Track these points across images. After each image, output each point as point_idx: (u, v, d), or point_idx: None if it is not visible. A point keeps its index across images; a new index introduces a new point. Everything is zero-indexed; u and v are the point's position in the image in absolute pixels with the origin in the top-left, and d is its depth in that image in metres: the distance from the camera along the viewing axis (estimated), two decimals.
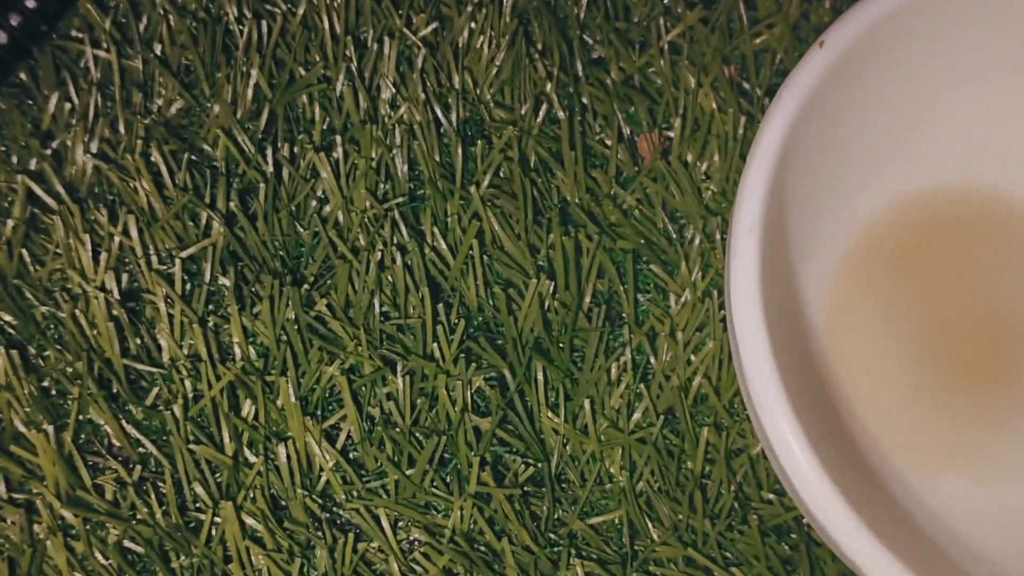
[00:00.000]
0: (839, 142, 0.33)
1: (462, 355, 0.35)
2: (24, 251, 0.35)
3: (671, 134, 0.37)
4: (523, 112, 0.37)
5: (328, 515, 0.34)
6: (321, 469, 0.34)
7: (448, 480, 0.34)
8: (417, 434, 0.34)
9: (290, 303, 0.34)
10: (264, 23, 0.37)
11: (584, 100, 0.37)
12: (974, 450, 0.34)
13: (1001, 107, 0.35)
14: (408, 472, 0.34)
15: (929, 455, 0.35)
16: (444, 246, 0.36)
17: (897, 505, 0.33)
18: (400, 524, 0.34)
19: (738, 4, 0.38)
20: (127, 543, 0.33)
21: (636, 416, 0.35)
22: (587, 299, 0.35)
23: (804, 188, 0.33)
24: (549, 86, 0.37)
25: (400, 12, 0.37)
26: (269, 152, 0.36)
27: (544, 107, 0.37)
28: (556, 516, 0.35)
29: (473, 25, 0.37)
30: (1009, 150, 0.36)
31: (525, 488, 0.34)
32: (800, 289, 0.34)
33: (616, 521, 0.34)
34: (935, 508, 0.34)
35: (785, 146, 0.29)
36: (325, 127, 0.37)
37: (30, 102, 0.37)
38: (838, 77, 0.30)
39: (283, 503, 0.34)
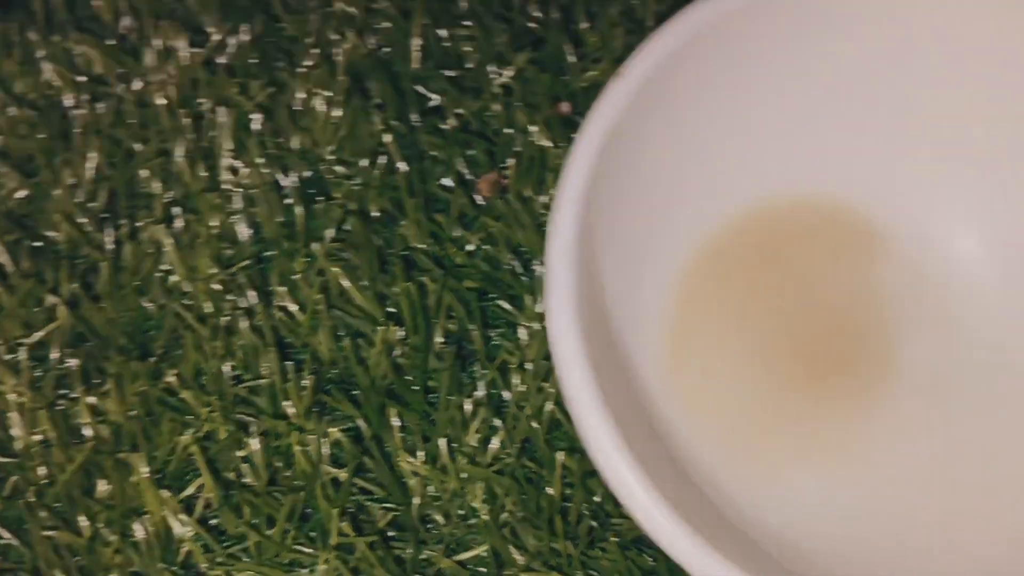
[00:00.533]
0: (659, 164, 0.34)
1: (315, 410, 0.35)
2: None
3: (508, 172, 0.37)
4: (363, 165, 0.37)
5: None
6: (181, 540, 0.34)
7: (313, 535, 0.34)
8: (275, 493, 0.34)
9: (138, 378, 0.34)
10: (101, 104, 0.38)
11: (423, 148, 0.38)
12: (816, 443, 0.35)
13: (830, 118, 0.36)
14: (268, 532, 0.34)
15: (773, 453, 0.35)
16: (292, 304, 0.36)
17: (734, 505, 0.33)
18: None
19: (564, 44, 0.39)
20: None
21: (494, 448, 0.35)
22: (438, 340, 0.36)
23: (628, 211, 0.33)
24: (388, 138, 0.38)
25: (235, 80, 0.38)
26: (111, 230, 0.36)
27: (384, 158, 0.37)
28: (423, 557, 0.35)
29: (307, 86, 0.38)
30: (841, 159, 0.37)
31: (388, 533, 0.34)
32: (635, 305, 0.35)
33: (483, 554, 0.34)
34: (780, 501, 0.34)
35: (594, 176, 0.30)
36: (167, 199, 0.37)
37: None
38: (642, 103, 0.31)
39: None
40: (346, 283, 0.36)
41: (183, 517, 0.34)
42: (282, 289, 0.36)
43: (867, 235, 0.37)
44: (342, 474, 0.34)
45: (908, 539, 0.34)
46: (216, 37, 0.38)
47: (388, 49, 0.38)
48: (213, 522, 0.34)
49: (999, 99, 0.34)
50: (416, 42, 0.38)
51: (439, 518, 0.35)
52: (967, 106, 0.34)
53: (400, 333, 0.36)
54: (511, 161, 0.37)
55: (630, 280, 0.35)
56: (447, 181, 0.37)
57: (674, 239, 0.36)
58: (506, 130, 0.38)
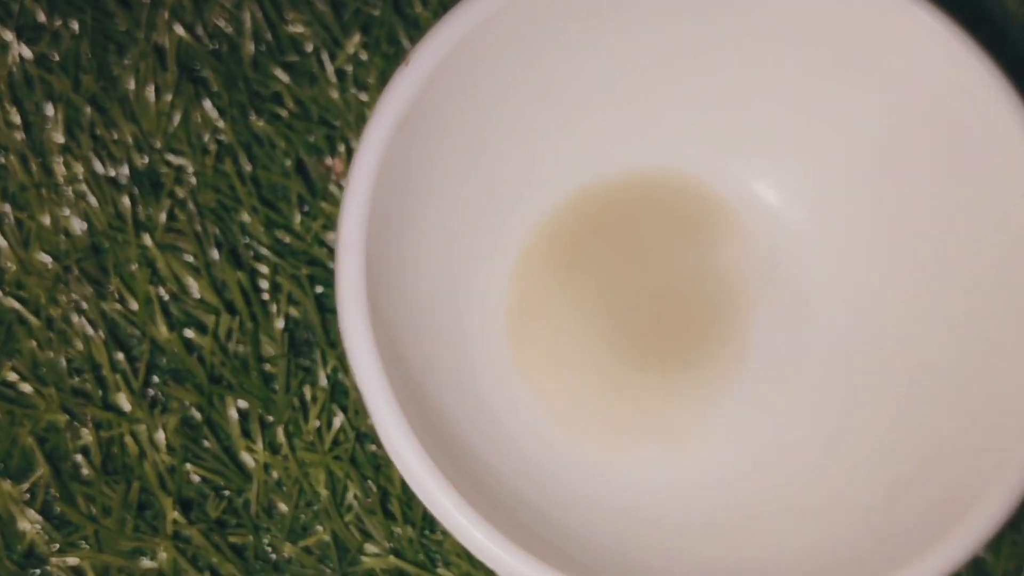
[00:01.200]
0: (467, 150, 0.34)
1: (150, 399, 0.35)
2: None
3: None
4: (197, 155, 0.37)
5: (39, 572, 0.34)
6: (23, 531, 0.34)
7: (155, 524, 0.34)
8: (112, 483, 0.34)
9: None
10: None
11: (259, 135, 0.38)
12: (658, 422, 0.35)
13: (657, 91, 0.36)
14: (106, 522, 0.34)
15: (614, 434, 0.36)
16: (127, 295, 0.36)
17: (564, 487, 0.33)
18: (110, 574, 0.34)
19: (397, 27, 0.39)
20: None
21: (334, 434, 0.35)
22: (276, 327, 0.36)
23: (436, 201, 0.33)
24: (222, 125, 0.38)
25: (66, 75, 0.38)
26: None
27: (218, 147, 0.37)
28: (267, 543, 0.35)
29: (138, 78, 0.38)
30: (672, 133, 0.37)
31: (227, 521, 0.34)
32: (470, 291, 0.35)
33: (325, 538, 0.35)
34: (620, 482, 0.35)
35: (384, 168, 0.30)
36: None
37: None
38: (436, 88, 0.31)
39: None
40: (181, 273, 0.36)
41: (25, 508, 0.33)
42: (116, 280, 0.36)
43: (707, 209, 0.38)
44: (176, 462, 0.34)
45: (738, 517, 0.34)
46: (46, 31, 0.38)
47: (221, 38, 0.38)
48: (55, 512, 0.34)
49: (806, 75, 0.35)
50: (249, 29, 0.38)
51: (281, 504, 0.35)
52: (780, 78, 0.35)
53: (237, 321, 0.36)
54: (342, 147, 0.37)
55: (457, 268, 0.35)
56: (286, 167, 0.37)
57: (507, 223, 0.36)
58: (346, 115, 0.38)
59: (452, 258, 0.35)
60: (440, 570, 0.34)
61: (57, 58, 0.38)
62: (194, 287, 0.36)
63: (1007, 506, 0.28)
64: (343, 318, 0.28)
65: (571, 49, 0.33)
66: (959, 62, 0.31)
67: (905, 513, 0.31)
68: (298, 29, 0.39)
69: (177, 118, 0.38)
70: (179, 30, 0.38)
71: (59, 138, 0.37)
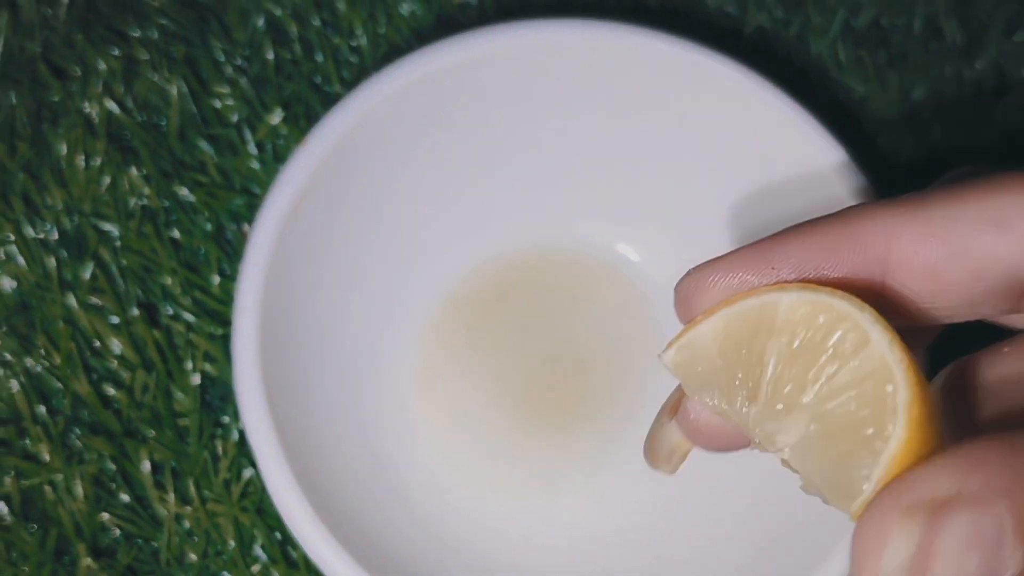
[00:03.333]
0: (366, 227, 0.36)
1: (70, 451, 0.37)
2: None
3: None
4: (122, 219, 0.40)
5: None
6: None
7: (71, 570, 0.36)
8: (31, 530, 0.36)
9: None
10: None
11: (183, 201, 0.40)
12: (549, 479, 0.38)
13: (543, 170, 0.39)
14: (25, 568, 0.36)
15: (509, 490, 0.38)
16: (52, 350, 0.38)
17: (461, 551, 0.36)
18: None
19: (313, 103, 0.41)
20: None
21: (242, 486, 0.37)
22: (192, 383, 0.38)
23: (347, 270, 0.36)
24: (147, 191, 0.40)
25: (4, 142, 0.40)
26: None
27: (142, 211, 0.40)
28: None
29: (69, 145, 0.40)
30: (560, 208, 0.40)
31: (140, 569, 0.36)
32: (378, 357, 0.38)
33: None
34: (509, 536, 0.37)
35: (280, 245, 0.32)
36: None
37: None
38: (327, 171, 0.33)
39: None
40: (102, 330, 0.38)
41: None
42: (42, 337, 0.38)
43: (598, 278, 0.40)
44: (91, 511, 0.36)
45: (619, 569, 0.37)
46: None
47: (149, 109, 0.41)
48: None
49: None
50: (176, 101, 0.41)
51: (191, 553, 0.37)
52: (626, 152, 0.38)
53: (153, 377, 0.38)
54: None
55: (362, 332, 0.38)
56: (207, 231, 0.40)
57: (411, 293, 0.39)
58: (264, 185, 0.41)
59: (357, 323, 0.37)
60: None
61: None
62: (115, 344, 0.38)
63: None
64: (237, 384, 0.30)
65: (461, 132, 0.36)
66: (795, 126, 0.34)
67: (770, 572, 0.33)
68: (222, 103, 0.41)
69: (105, 184, 0.40)
70: (109, 102, 0.40)
71: None
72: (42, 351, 0.38)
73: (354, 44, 0.42)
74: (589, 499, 0.38)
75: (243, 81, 0.42)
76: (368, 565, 0.31)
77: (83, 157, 0.40)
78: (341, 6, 0.42)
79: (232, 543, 0.37)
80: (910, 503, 0.16)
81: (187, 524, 0.37)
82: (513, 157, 0.37)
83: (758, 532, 0.36)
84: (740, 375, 0.19)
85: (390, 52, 0.42)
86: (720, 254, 0.20)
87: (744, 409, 0.20)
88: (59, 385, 0.38)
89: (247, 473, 0.37)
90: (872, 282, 0.19)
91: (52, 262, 0.39)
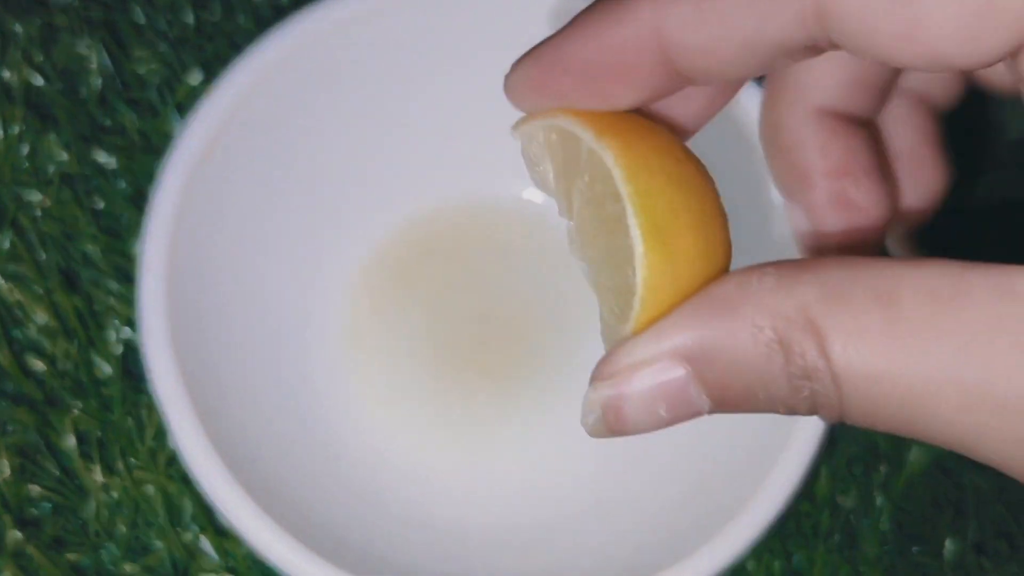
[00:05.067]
0: (285, 177, 0.36)
1: None
2: None
3: None
4: (42, 186, 0.39)
5: None
6: None
7: None
8: None
9: None
10: None
11: (102, 165, 0.39)
12: (480, 434, 0.38)
13: (470, 122, 0.38)
14: None
15: (437, 445, 0.38)
16: None
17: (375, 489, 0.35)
18: None
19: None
20: None
21: (168, 454, 0.37)
22: (114, 351, 0.37)
23: (266, 224, 0.35)
24: (64, 157, 0.39)
25: None
26: None
27: (62, 177, 0.39)
28: (105, 561, 0.36)
29: None
30: (489, 162, 0.39)
31: (67, 540, 0.36)
32: (306, 307, 0.37)
33: (163, 556, 0.36)
34: (448, 496, 0.37)
35: (190, 200, 0.32)
36: None
37: None
38: (236, 121, 0.33)
39: None
40: (24, 299, 0.38)
41: None
42: None
43: (522, 232, 0.40)
44: (16, 482, 0.36)
45: (547, 518, 0.36)
46: None
47: (68, 75, 0.40)
48: None
49: None
50: (94, 66, 0.40)
51: (120, 524, 0.36)
52: None
53: (75, 345, 0.37)
54: None
55: (288, 288, 0.37)
56: (127, 196, 0.39)
57: (337, 252, 0.38)
58: None
59: (278, 282, 0.37)
60: None
61: None
62: (36, 313, 0.38)
63: (764, 519, 0.30)
64: (145, 347, 0.30)
65: (373, 84, 0.36)
66: None
67: (686, 517, 0.33)
68: (145, 68, 0.40)
69: (24, 151, 0.39)
70: (27, 68, 0.40)
71: None
72: None
73: (276, 2, 0.41)
74: (525, 452, 0.38)
75: (163, 44, 0.41)
76: (293, 528, 0.30)
77: (1, 124, 0.39)
78: None
79: (161, 512, 0.36)
80: (610, 371, 0.20)
81: (115, 494, 0.36)
82: (428, 110, 0.37)
83: (691, 473, 0.36)
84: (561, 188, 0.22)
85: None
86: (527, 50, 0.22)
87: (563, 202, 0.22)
88: None
89: (173, 441, 0.37)
90: (659, 64, 0.20)
91: None
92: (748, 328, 0.19)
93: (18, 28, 0.41)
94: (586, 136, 0.20)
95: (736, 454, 0.34)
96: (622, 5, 0.20)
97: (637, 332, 0.20)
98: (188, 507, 0.37)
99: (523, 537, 0.37)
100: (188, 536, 0.37)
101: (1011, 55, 0.18)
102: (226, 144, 0.32)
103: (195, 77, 0.40)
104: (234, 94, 0.32)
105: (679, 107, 0.23)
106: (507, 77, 0.22)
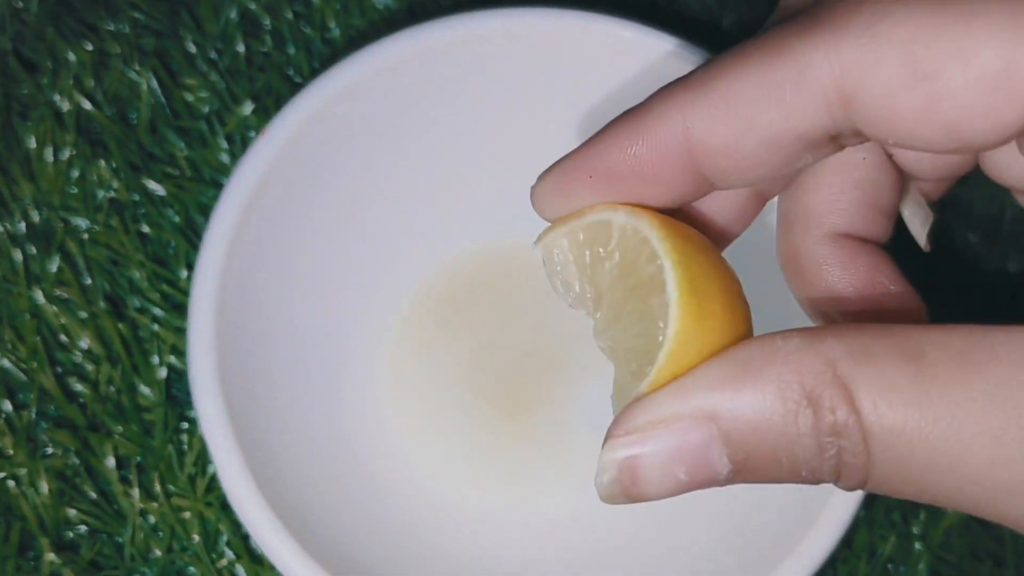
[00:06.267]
0: (335, 217, 0.36)
1: (34, 444, 0.37)
2: None
3: None
4: (90, 212, 0.39)
5: None
6: None
7: (36, 564, 0.36)
8: None
9: None
10: None
11: (152, 194, 0.40)
12: (526, 472, 0.38)
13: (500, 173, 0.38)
14: None
15: (482, 482, 0.38)
16: (19, 344, 0.38)
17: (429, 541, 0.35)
18: None
19: (284, 95, 0.41)
20: None
21: (207, 481, 0.37)
22: (158, 376, 0.38)
23: (314, 263, 0.36)
24: (116, 184, 0.40)
25: None
26: None
27: (111, 204, 0.39)
28: None
29: (38, 138, 0.40)
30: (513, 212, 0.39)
31: (104, 564, 0.36)
32: (349, 346, 0.37)
33: None
34: (484, 532, 0.36)
35: (241, 236, 0.32)
36: None
37: None
38: (288, 161, 0.33)
39: None
40: (69, 324, 0.38)
41: None
42: (9, 331, 0.38)
43: None
44: (55, 505, 0.36)
45: (586, 558, 0.36)
46: None
47: (119, 102, 0.41)
48: None
49: None
50: (146, 94, 0.40)
51: (156, 549, 0.37)
52: None
53: (119, 371, 0.37)
54: None
55: (332, 327, 0.37)
56: (175, 224, 0.39)
57: (385, 288, 0.39)
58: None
59: (325, 316, 0.37)
60: None
61: None
62: (80, 338, 0.38)
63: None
64: (192, 375, 0.30)
65: (430, 122, 0.36)
66: None
67: (726, 565, 0.32)
68: (193, 96, 0.41)
69: (74, 177, 0.40)
70: (79, 95, 0.40)
71: None
72: (8, 345, 0.38)
73: (327, 36, 0.42)
74: (563, 491, 0.38)
75: (214, 74, 0.41)
76: (326, 560, 0.30)
77: (52, 150, 0.40)
78: None
79: (197, 538, 0.36)
80: (628, 428, 0.19)
81: (152, 519, 0.37)
82: (476, 152, 0.37)
83: (718, 525, 0.35)
84: (586, 286, 0.22)
85: (363, 43, 0.42)
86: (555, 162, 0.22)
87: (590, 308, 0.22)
88: (24, 379, 0.38)
89: (213, 468, 0.37)
90: (683, 169, 0.21)
91: (19, 255, 0.39)
92: (775, 386, 0.18)
93: (71, 55, 0.41)
94: (618, 216, 0.21)
95: (777, 505, 0.34)
96: (649, 111, 0.21)
97: (655, 387, 0.19)
98: (224, 534, 0.37)
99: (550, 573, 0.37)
100: (223, 563, 0.37)
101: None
102: (279, 181, 0.32)
103: (246, 108, 0.41)
104: (290, 131, 0.32)
105: (709, 218, 0.23)
106: (533, 188, 0.22)
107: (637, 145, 0.20)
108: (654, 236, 0.20)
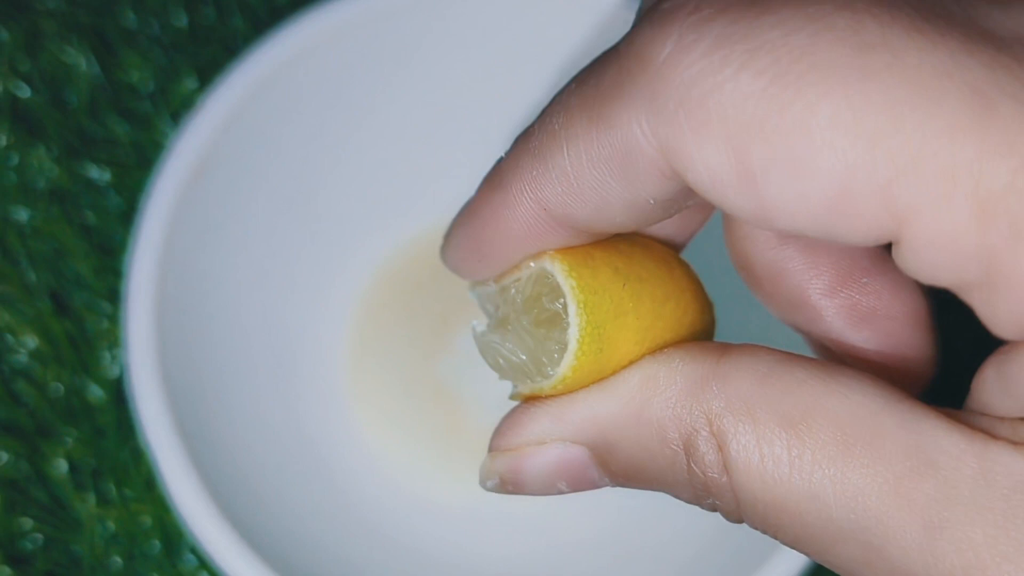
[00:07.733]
0: (282, 194, 0.34)
1: None
2: None
3: None
4: (32, 202, 0.37)
5: None
6: None
7: None
8: None
9: None
10: None
11: (93, 179, 0.38)
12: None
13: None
14: None
15: (445, 470, 0.36)
16: None
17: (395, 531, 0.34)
18: None
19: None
20: None
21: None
22: (108, 376, 0.36)
23: (260, 245, 0.33)
24: (55, 172, 0.37)
25: None
26: None
27: (54, 194, 0.37)
28: None
29: None
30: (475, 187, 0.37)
31: (57, 575, 0.34)
32: (315, 328, 0.35)
33: None
34: (448, 522, 0.35)
35: (180, 218, 0.30)
36: None
37: None
38: (228, 137, 0.31)
39: None
40: (11, 323, 0.36)
41: None
42: None
43: None
44: (5, 515, 0.34)
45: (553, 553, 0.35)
46: None
47: (56, 84, 0.38)
48: None
49: None
50: (85, 74, 0.38)
51: (116, 557, 0.35)
52: None
53: (67, 372, 0.35)
54: None
55: (288, 311, 0.35)
56: (121, 212, 0.37)
57: (343, 267, 0.37)
58: None
59: (278, 301, 0.35)
60: None
61: None
62: (25, 337, 0.36)
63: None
64: (130, 370, 0.28)
65: (383, 94, 0.34)
66: None
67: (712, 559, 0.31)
68: (137, 74, 0.39)
69: (12, 164, 0.38)
70: (13, 78, 0.38)
71: None
72: None
73: (274, 4, 0.40)
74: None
75: (156, 50, 0.39)
76: (281, 565, 0.28)
77: None
78: None
79: (158, 544, 0.35)
80: (508, 444, 0.20)
81: (110, 525, 0.35)
82: (432, 121, 0.35)
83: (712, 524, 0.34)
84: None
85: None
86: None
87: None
88: None
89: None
90: (563, 228, 0.20)
91: None
92: (654, 430, 0.18)
93: (3, 34, 0.39)
94: (537, 261, 0.20)
95: None
96: (506, 188, 0.19)
97: (548, 394, 0.19)
98: (186, 538, 0.35)
99: (527, 569, 0.35)
100: (186, 569, 0.35)
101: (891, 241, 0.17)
102: (219, 158, 0.30)
103: (189, 84, 0.38)
104: (228, 103, 0.30)
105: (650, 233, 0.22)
106: (442, 254, 0.22)
107: (506, 222, 0.20)
108: (560, 273, 0.19)
